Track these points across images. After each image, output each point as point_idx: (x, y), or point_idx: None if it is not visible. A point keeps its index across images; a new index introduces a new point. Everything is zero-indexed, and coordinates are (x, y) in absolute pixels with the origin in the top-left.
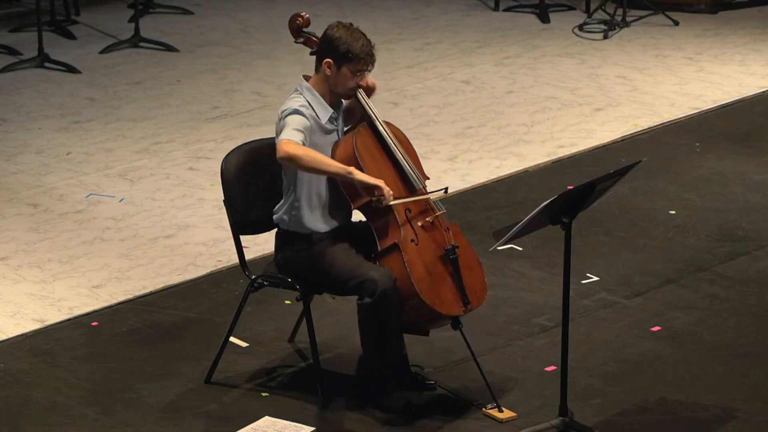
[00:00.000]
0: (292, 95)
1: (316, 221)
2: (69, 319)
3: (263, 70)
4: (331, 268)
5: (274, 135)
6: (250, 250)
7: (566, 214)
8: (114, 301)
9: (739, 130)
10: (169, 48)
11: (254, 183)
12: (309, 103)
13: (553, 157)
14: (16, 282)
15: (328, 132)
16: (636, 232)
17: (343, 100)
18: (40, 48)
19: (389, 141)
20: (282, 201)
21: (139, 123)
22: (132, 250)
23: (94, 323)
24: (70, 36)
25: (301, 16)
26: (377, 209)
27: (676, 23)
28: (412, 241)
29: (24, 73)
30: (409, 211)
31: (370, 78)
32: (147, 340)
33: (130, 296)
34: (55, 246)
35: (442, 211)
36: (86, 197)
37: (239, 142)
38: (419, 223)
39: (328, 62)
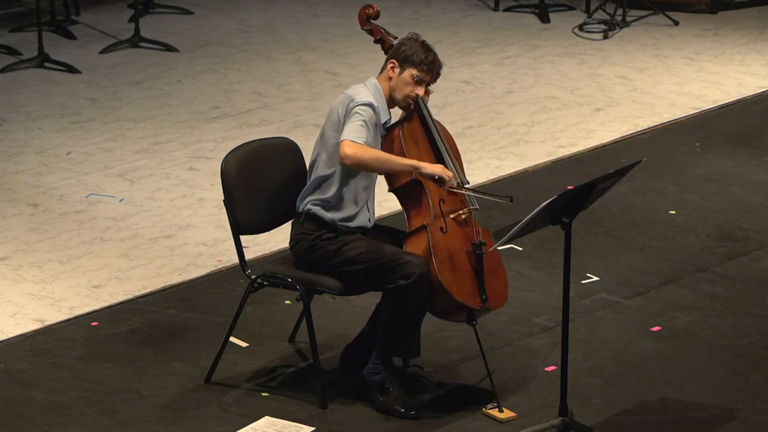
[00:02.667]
0: (363, 86)
1: (347, 219)
2: (69, 319)
3: (263, 70)
4: (362, 253)
5: (274, 134)
6: (250, 250)
7: (566, 214)
8: (114, 301)
9: (739, 130)
10: (169, 48)
11: (254, 183)
12: (377, 101)
13: (553, 157)
14: (16, 282)
15: (381, 133)
16: (636, 232)
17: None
18: (40, 48)
19: (436, 136)
20: (311, 191)
21: (139, 123)
22: (132, 250)
23: (94, 323)
24: (70, 36)
25: (372, 7)
26: (411, 192)
27: (676, 23)
28: (441, 228)
29: (24, 73)
30: (443, 202)
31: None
32: (147, 340)
33: (130, 296)
34: (55, 246)
35: (475, 207)
36: (86, 197)
37: (239, 142)
38: (451, 216)
39: (393, 62)
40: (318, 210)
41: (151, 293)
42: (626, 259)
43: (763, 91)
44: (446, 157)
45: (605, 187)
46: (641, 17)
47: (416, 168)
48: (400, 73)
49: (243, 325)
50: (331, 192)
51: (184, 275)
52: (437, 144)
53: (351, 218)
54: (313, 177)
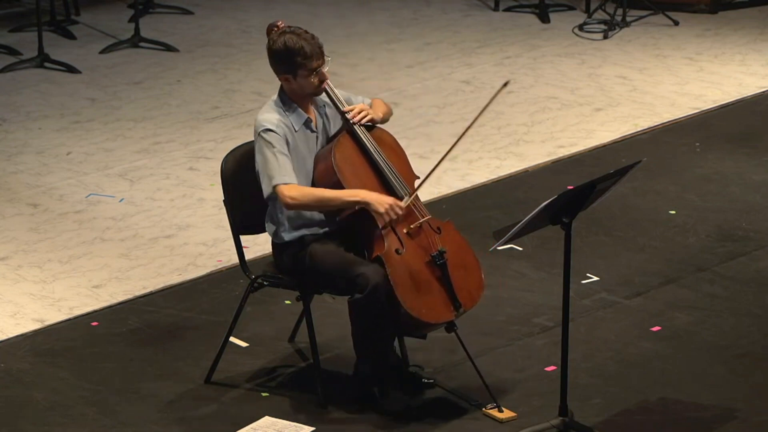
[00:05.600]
0: (267, 103)
1: (306, 229)
2: (69, 319)
3: (263, 70)
4: (324, 267)
5: None
6: (250, 250)
7: (566, 214)
8: (114, 301)
9: (739, 130)
10: (169, 48)
11: (254, 183)
12: (284, 111)
13: (553, 157)
14: (16, 282)
15: (306, 134)
16: (636, 232)
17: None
18: (40, 48)
19: (371, 149)
20: (270, 211)
21: (139, 123)
22: (132, 250)
23: (94, 323)
24: (70, 36)
25: (277, 26)
26: (362, 221)
27: (676, 23)
28: (397, 251)
29: (24, 73)
30: (395, 221)
31: (362, 107)
32: (147, 340)
33: (130, 296)
34: (55, 246)
35: (428, 216)
36: (86, 197)
37: (239, 142)
38: (405, 230)
39: (284, 77)
40: (276, 232)
41: (151, 293)
42: (626, 259)
43: (763, 91)
44: (387, 173)
45: (605, 187)
46: (641, 17)
47: (362, 203)
48: (295, 79)
49: (243, 325)
50: (278, 210)
51: (184, 275)
52: (374, 159)
53: (308, 226)
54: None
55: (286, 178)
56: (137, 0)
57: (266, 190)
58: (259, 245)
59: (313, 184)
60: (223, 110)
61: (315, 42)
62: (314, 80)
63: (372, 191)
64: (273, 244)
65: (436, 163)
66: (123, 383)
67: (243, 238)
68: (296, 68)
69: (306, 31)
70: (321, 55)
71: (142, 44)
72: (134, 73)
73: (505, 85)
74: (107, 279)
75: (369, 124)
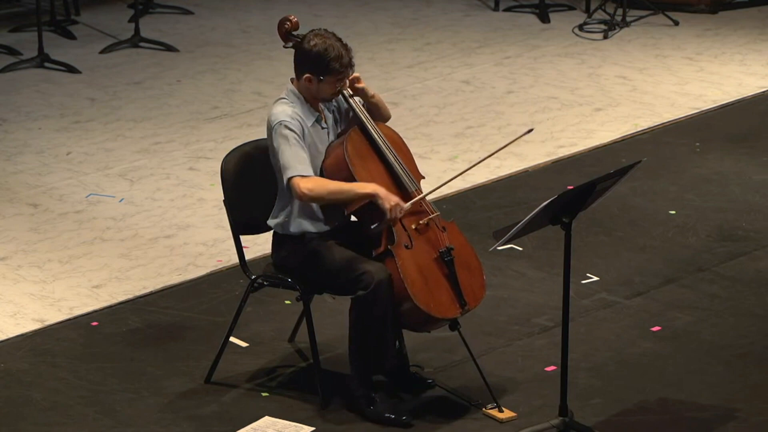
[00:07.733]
0: (278, 100)
1: (311, 224)
2: (69, 319)
3: (263, 70)
4: (326, 263)
5: None
6: (250, 250)
7: (566, 214)
8: (114, 301)
9: (739, 130)
10: (169, 48)
11: (254, 183)
12: (295, 107)
13: (553, 157)
14: (16, 282)
15: (317, 130)
16: (636, 232)
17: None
18: (40, 48)
19: (381, 145)
20: (276, 205)
21: (139, 123)
22: (132, 250)
23: (94, 323)
24: (70, 36)
25: (290, 20)
26: (371, 214)
27: (676, 23)
28: (406, 245)
29: (24, 73)
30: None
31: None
32: (147, 340)
33: (130, 296)
34: (55, 246)
35: (436, 213)
36: (86, 197)
37: (239, 142)
38: (413, 226)
39: (309, 77)
40: (280, 225)
41: (151, 293)
42: (626, 259)
43: (763, 91)
44: (397, 168)
45: (605, 187)
46: (641, 17)
47: (373, 195)
48: (319, 82)
49: (243, 325)
50: (284, 204)
51: (184, 275)
52: (384, 154)
53: (313, 223)
54: (279, 191)
55: (301, 169)
56: (137, 0)
57: (284, 182)
58: (259, 245)
59: (323, 177)
60: (223, 110)
61: (350, 54)
62: (335, 87)
63: (380, 184)
64: (274, 234)
65: (444, 181)
66: (123, 383)
67: (243, 238)
68: (326, 72)
69: (340, 39)
70: (352, 66)
71: (142, 44)
72: (134, 73)
73: (529, 131)
74: (107, 279)
75: (378, 121)
